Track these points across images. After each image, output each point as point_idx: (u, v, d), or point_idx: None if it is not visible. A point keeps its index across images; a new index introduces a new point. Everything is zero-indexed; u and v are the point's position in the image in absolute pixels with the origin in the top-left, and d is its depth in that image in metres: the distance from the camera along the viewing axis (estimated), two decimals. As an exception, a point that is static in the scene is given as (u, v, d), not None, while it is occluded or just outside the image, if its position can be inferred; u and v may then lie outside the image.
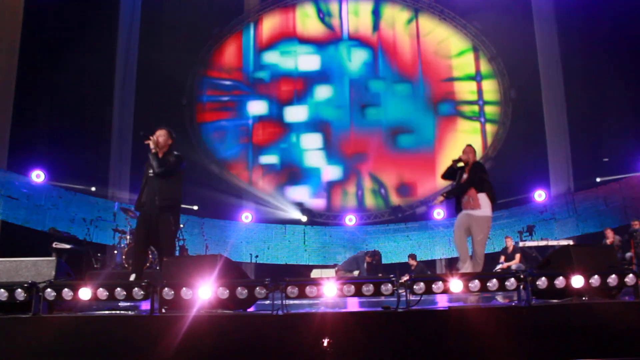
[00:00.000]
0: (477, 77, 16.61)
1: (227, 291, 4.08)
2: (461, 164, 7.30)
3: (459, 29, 16.65)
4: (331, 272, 13.18)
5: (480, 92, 16.56)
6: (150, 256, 10.34)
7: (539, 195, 14.87)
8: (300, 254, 15.71)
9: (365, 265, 12.71)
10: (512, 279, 4.07)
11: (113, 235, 12.23)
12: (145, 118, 14.43)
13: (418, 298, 4.14)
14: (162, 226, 6.04)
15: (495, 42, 16.30)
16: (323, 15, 17.04)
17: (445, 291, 4.06)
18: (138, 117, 14.93)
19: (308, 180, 16.33)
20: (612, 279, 4.10)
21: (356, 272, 12.46)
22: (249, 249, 15.04)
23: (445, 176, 7.52)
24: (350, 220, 15.97)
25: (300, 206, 16.05)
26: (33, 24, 12.78)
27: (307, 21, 17.04)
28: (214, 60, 16.76)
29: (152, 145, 6.17)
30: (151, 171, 6.21)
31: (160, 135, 6.24)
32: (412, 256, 13.66)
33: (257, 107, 16.62)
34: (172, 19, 15.32)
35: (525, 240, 13.04)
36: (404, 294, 4.07)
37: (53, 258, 4.75)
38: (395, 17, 16.97)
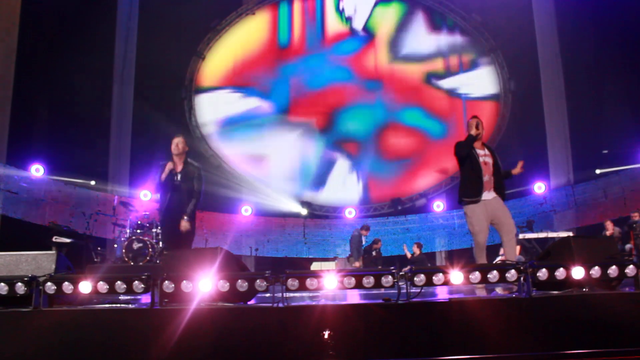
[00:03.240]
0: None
1: (228, 284, 4.08)
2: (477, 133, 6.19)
3: (459, 21, 16.61)
4: (331, 265, 13.24)
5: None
6: (150, 250, 10.37)
7: (539, 188, 14.87)
8: (300, 247, 15.72)
9: (362, 239, 12.87)
10: (513, 271, 4.07)
11: (113, 229, 12.24)
12: (144, 111, 14.42)
13: (418, 290, 4.14)
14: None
15: (495, 34, 16.27)
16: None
17: (446, 283, 4.05)
18: (137, 110, 14.91)
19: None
20: (613, 270, 4.10)
21: (357, 264, 12.52)
22: (249, 242, 15.05)
23: (465, 151, 6.19)
24: (350, 213, 15.98)
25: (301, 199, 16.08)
26: (31, 18, 12.72)
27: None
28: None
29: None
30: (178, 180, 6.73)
31: (180, 142, 6.73)
32: (418, 245, 13.73)
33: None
34: (170, 12, 15.26)
35: (524, 233, 13.04)
36: (405, 286, 4.07)
37: (53, 252, 4.74)
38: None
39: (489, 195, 6.12)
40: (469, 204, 6.10)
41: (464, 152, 6.17)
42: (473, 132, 6.16)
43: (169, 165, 6.65)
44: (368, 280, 4.05)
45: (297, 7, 17.02)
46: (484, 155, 6.20)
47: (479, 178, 6.07)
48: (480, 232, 6.07)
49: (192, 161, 6.89)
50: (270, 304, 4.04)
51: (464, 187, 6.20)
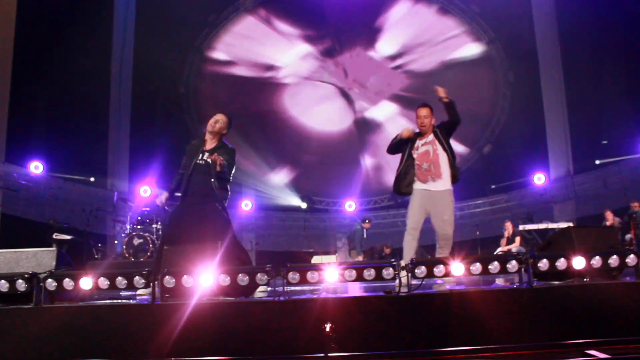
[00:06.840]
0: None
1: (229, 278, 4.08)
2: (408, 134, 6.05)
3: (457, 12, 16.55)
4: (332, 259, 13.25)
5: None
6: (150, 245, 10.36)
7: (539, 179, 14.86)
8: (301, 241, 15.73)
9: (364, 232, 12.89)
10: (514, 261, 4.06)
11: (113, 225, 12.23)
12: (142, 107, 14.39)
13: (419, 282, 4.14)
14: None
15: (493, 25, 16.20)
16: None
17: (447, 274, 4.05)
18: (135, 106, 14.88)
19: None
20: (613, 260, 4.09)
21: (360, 258, 12.53)
22: (249, 237, 15.05)
23: (391, 149, 6.27)
24: (350, 206, 15.98)
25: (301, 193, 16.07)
26: (28, 15, 12.66)
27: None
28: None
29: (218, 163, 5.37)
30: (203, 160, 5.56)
31: (220, 119, 5.63)
32: None
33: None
34: (167, 7, 15.21)
35: (525, 224, 13.05)
36: (405, 278, 4.07)
37: (53, 248, 4.74)
38: None
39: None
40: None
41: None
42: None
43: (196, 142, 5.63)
44: (369, 273, 4.04)
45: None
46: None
47: None
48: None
49: (228, 144, 5.69)
50: (271, 298, 4.04)
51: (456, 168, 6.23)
